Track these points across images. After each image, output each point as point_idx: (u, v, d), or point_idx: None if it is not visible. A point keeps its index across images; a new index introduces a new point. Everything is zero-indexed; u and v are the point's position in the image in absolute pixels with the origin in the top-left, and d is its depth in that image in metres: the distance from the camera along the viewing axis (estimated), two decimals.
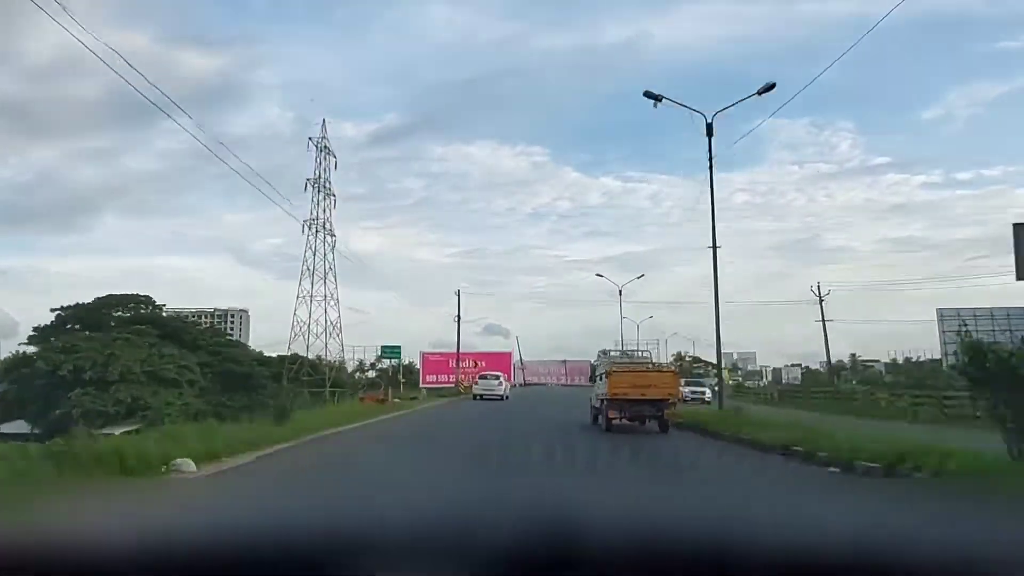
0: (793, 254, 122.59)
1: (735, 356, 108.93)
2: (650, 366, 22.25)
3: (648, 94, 22.45)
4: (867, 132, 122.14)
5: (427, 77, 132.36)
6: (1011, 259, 11.87)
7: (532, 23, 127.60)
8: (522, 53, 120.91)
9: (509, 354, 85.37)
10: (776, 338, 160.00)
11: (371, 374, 75.84)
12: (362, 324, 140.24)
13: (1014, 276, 11.77)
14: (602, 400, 18.30)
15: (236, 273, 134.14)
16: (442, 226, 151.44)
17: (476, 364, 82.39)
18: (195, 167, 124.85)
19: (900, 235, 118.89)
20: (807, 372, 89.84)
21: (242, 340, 53.87)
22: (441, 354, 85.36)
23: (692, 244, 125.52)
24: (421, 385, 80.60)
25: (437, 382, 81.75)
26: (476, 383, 42.40)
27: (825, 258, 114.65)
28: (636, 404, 17.26)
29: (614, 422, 17.49)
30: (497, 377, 43.62)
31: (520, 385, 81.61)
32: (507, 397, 40.69)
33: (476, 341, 73.73)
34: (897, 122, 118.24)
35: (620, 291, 63.77)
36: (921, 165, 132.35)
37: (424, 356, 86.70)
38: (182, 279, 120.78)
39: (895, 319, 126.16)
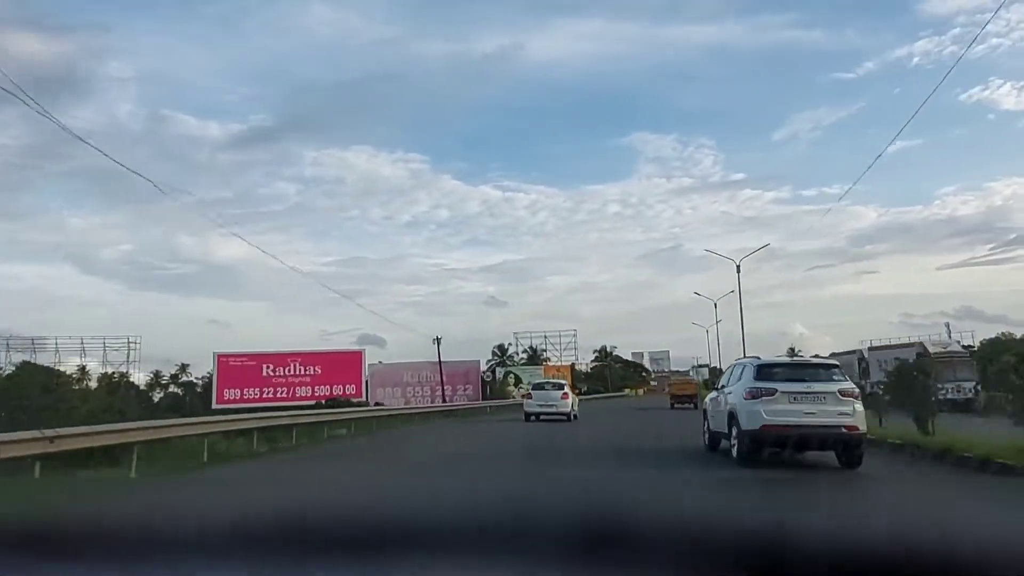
0: (661, 263, 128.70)
1: (645, 356, 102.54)
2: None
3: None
4: (726, 149, 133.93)
5: (301, 77, 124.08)
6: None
7: (410, 28, 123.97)
8: (400, 58, 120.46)
9: (359, 354, 59.14)
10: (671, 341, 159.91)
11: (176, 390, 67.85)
12: (225, 335, 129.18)
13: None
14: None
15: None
16: (317, 234, 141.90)
17: (310, 370, 56.38)
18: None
19: (755, 246, 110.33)
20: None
21: None
22: (249, 356, 57.25)
23: (566, 254, 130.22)
24: (216, 404, 52.35)
25: (242, 399, 53.79)
26: (528, 396, 28.17)
27: (691, 267, 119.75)
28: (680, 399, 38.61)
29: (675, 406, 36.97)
30: (560, 387, 27.80)
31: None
32: (575, 416, 26.87)
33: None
34: (752, 141, 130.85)
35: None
36: (773, 181, 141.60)
37: (220, 360, 57.69)
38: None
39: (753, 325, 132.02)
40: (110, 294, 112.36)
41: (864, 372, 41.40)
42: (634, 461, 12.41)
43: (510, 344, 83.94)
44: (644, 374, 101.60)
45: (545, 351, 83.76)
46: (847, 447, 10.77)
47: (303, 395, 54.04)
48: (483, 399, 59.32)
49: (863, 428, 10.89)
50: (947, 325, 59.61)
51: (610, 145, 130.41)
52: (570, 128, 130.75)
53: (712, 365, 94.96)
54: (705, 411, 14.00)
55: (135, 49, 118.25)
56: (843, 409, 10.76)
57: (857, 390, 11.64)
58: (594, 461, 12.47)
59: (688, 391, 39.68)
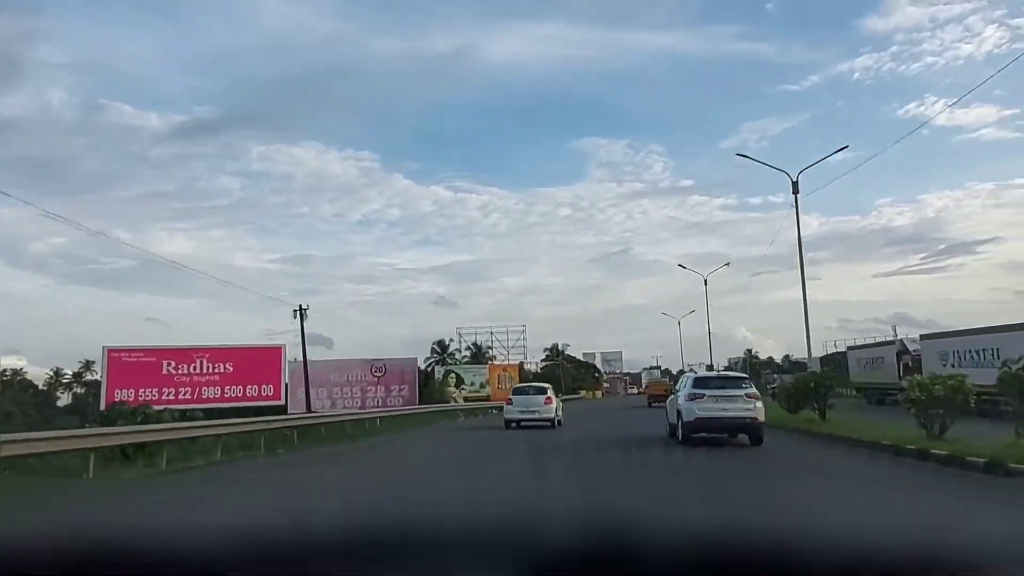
0: (611, 266, 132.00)
1: (597, 356, 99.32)
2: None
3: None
4: (676, 156, 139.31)
5: (249, 70, 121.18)
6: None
7: (363, 24, 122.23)
8: (352, 54, 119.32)
9: (279, 351, 51.45)
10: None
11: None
12: (161, 333, 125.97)
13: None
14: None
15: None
16: (263, 230, 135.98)
17: (219, 368, 48.81)
18: None
19: (702, 251, 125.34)
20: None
21: None
22: (146, 351, 49.35)
23: (518, 256, 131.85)
24: (105, 405, 43.64)
25: (138, 399, 45.11)
26: (509, 402, 24.72)
27: (641, 270, 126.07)
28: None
29: (652, 405, 37.47)
30: (543, 391, 24.94)
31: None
32: (560, 423, 24.08)
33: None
34: (701, 149, 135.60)
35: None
36: (720, 188, 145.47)
37: (111, 356, 49.72)
38: None
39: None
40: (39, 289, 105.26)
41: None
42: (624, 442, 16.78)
43: (451, 340, 76.81)
44: (596, 375, 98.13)
45: (491, 348, 77.03)
46: (752, 431, 15.65)
47: (211, 396, 46.23)
48: (419, 402, 53.08)
49: (762, 419, 15.69)
50: (893, 328, 62.50)
51: (563, 148, 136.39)
52: (524, 130, 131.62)
53: (664, 367, 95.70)
54: (666, 409, 19.42)
55: (70, 34, 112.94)
56: (748, 406, 15.55)
57: (757, 393, 16.33)
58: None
59: (663, 391, 41.94)
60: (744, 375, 18.64)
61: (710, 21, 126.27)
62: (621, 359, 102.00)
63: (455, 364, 71.64)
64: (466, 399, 57.82)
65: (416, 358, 65.33)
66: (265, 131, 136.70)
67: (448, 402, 52.60)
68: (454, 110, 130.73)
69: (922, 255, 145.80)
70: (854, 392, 38.84)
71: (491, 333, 77.20)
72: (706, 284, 44.49)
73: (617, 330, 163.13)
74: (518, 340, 77.33)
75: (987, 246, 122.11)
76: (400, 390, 58.23)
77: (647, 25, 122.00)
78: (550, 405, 23.77)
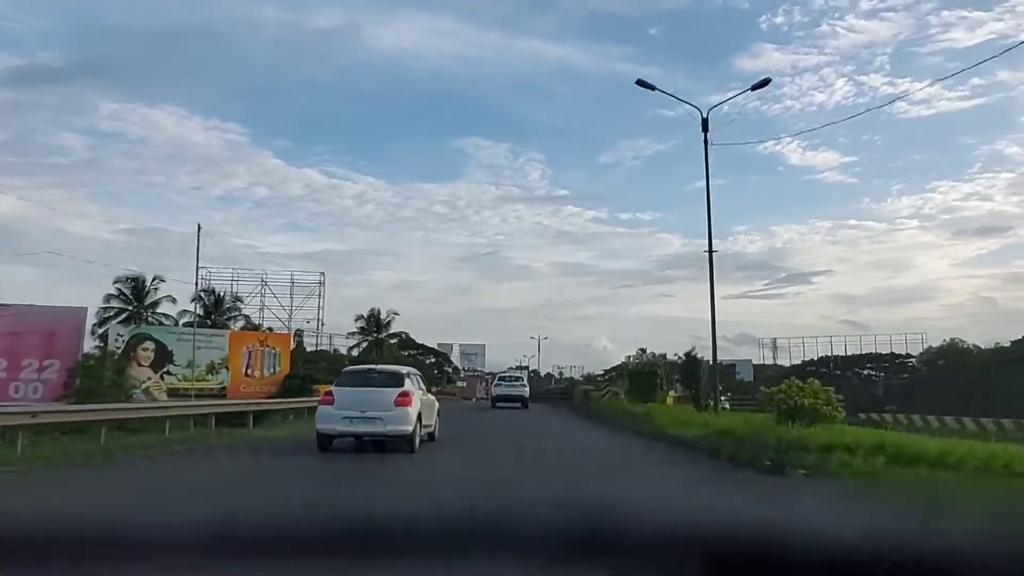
0: (482, 268, 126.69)
1: (455, 348, 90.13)
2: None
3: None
4: (555, 165, 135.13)
5: (106, 18, 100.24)
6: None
7: None
8: (225, 16, 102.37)
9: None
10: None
11: None
12: None
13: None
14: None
15: None
16: (108, 195, 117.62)
17: None
18: None
19: (572, 260, 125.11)
20: None
21: None
22: None
23: (391, 250, 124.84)
24: None
25: None
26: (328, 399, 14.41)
27: (512, 274, 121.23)
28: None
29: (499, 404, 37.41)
30: (396, 380, 14.41)
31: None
32: (432, 439, 15.58)
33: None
34: (579, 161, 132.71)
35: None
36: (593, 201, 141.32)
37: None
38: None
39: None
40: None
41: None
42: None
43: (157, 281, 42.34)
44: (449, 369, 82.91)
45: (243, 305, 45.95)
46: (523, 402, 35.09)
47: None
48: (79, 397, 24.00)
49: (527, 395, 36.68)
50: (774, 341, 72.35)
51: (444, 145, 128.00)
52: (406, 122, 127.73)
53: (533, 368, 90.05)
54: (489, 392, 41.51)
55: None
56: (522, 391, 36.63)
57: (526, 383, 39.68)
58: None
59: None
60: (521, 374, 43.08)
61: (601, 39, 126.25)
62: (484, 354, 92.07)
63: (157, 325, 39.72)
64: (173, 393, 33.14)
65: (86, 308, 34.93)
66: (120, 88, 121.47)
67: (124, 398, 24.98)
68: (335, 92, 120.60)
69: (765, 281, 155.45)
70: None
71: (263, 282, 46.36)
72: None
73: (487, 332, 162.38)
74: (307, 299, 46.99)
75: (820, 278, 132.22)
76: (43, 369, 30.70)
77: (541, 35, 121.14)
78: (406, 408, 13.57)
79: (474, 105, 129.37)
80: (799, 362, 67.00)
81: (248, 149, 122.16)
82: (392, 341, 59.31)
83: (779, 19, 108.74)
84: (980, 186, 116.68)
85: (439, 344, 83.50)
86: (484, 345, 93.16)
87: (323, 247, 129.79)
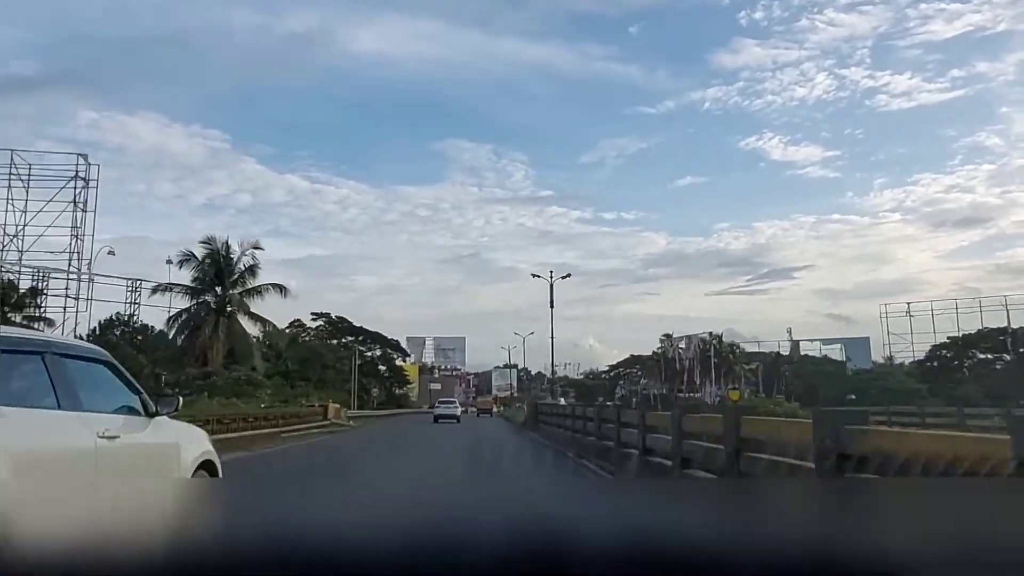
0: (467, 270, 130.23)
1: (428, 343, 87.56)
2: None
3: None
4: (538, 166, 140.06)
5: (83, 27, 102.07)
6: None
7: None
8: (204, 23, 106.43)
9: None
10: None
11: None
12: None
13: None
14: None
15: None
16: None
17: None
18: None
19: (558, 261, 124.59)
20: None
21: None
22: None
23: (375, 254, 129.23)
24: None
25: None
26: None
27: (497, 276, 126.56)
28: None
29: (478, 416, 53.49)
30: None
31: None
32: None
33: None
34: (562, 161, 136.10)
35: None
36: (577, 201, 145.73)
37: None
38: None
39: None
40: None
41: None
42: None
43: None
44: (402, 362, 63.15)
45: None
46: (455, 419, 39.70)
47: None
48: None
49: (459, 414, 42.18)
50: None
51: (426, 148, 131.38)
52: (388, 126, 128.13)
53: (523, 366, 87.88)
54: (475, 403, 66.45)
55: None
56: (457, 411, 42.70)
57: (458, 403, 48.04)
58: None
59: (488, 405, 56.94)
60: (455, 399, 50.90)
61: (582, 39, 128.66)
62: (463, 348, 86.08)
63: None
64: None
65: None
66: (97, 96, 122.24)
67: None
68: (316, 97, 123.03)
69: (748, 277, 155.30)
70: None
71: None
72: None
73: (471, 334, 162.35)
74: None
75: (803, 273, 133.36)
76: None
77: (521, 35, 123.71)
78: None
79: (455, 107, 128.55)
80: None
81: (229, 155, 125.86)
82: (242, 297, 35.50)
83: (758, 14, 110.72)
84: (961, 178, 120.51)
85: (408, 338, 71.39)
86: (463, 338, 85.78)
87: (307, 253, 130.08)
